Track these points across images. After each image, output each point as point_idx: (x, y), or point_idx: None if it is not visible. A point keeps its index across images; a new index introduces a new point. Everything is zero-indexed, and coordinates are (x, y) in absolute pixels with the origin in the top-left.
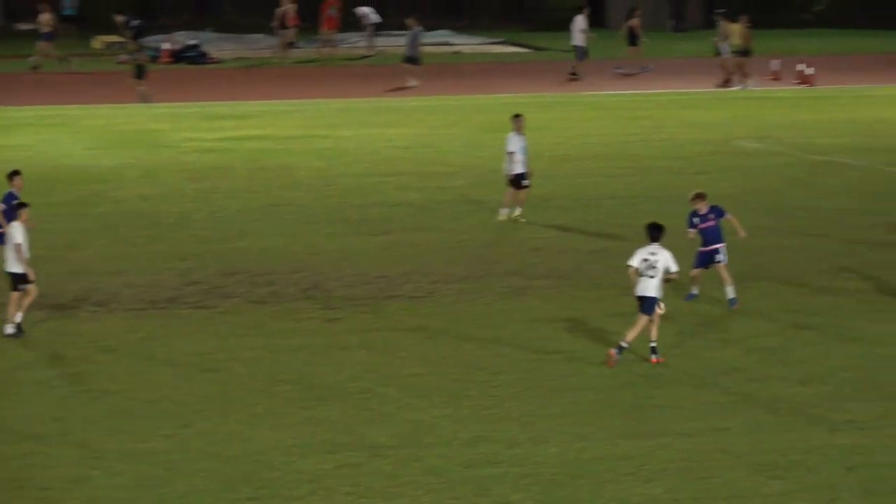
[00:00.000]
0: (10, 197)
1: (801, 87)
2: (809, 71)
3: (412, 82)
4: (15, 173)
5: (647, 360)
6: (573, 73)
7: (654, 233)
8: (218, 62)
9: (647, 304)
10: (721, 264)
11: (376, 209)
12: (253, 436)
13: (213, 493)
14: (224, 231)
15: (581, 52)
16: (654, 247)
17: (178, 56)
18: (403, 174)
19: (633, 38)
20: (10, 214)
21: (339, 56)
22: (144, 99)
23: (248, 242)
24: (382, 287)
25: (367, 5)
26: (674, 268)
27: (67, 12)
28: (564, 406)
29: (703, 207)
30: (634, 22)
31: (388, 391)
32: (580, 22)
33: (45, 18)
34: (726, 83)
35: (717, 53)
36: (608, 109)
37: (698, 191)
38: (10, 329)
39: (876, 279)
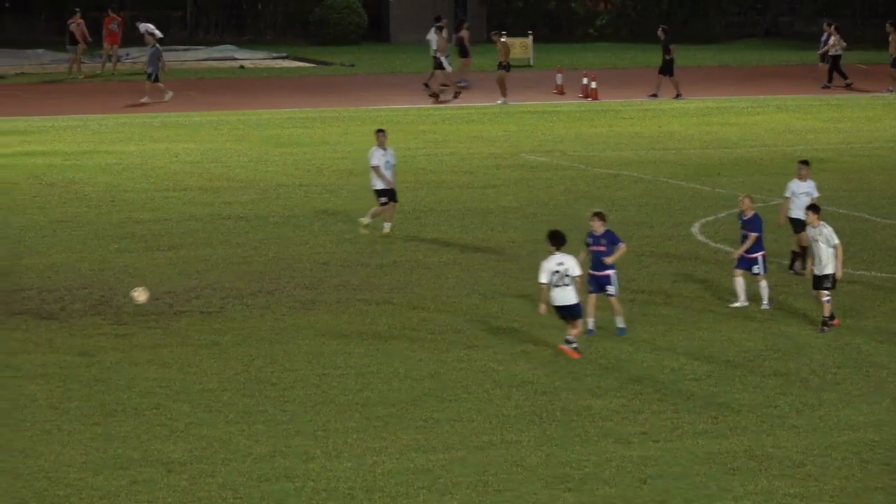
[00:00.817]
0: None
1: (586, 100)
2: (593, 85)
3: (146, 99)
4: None
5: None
6: (438, 89)
7: (557, 241)
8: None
9: (573, 311)
10: (612, 296)
11: (164, 224)
12: (45, 452)
13: None
14: (10, 248)
15: (438, 64)
16: (560, 256)
17: None
18: (190, 189)
19: (463, 51)
20: None
21: (123, 71)
22: None
23: (35, 259)
24: (171, 302)
25: (149, 21)
26: (578, 272)
27: None
28: (357, 420)
29: (598, 228)
30: (464, 34)
31: (180, 406)
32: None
33: None
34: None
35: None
36: (394, 124)
37: (597, 209)
38: None
39: (661, 290)
